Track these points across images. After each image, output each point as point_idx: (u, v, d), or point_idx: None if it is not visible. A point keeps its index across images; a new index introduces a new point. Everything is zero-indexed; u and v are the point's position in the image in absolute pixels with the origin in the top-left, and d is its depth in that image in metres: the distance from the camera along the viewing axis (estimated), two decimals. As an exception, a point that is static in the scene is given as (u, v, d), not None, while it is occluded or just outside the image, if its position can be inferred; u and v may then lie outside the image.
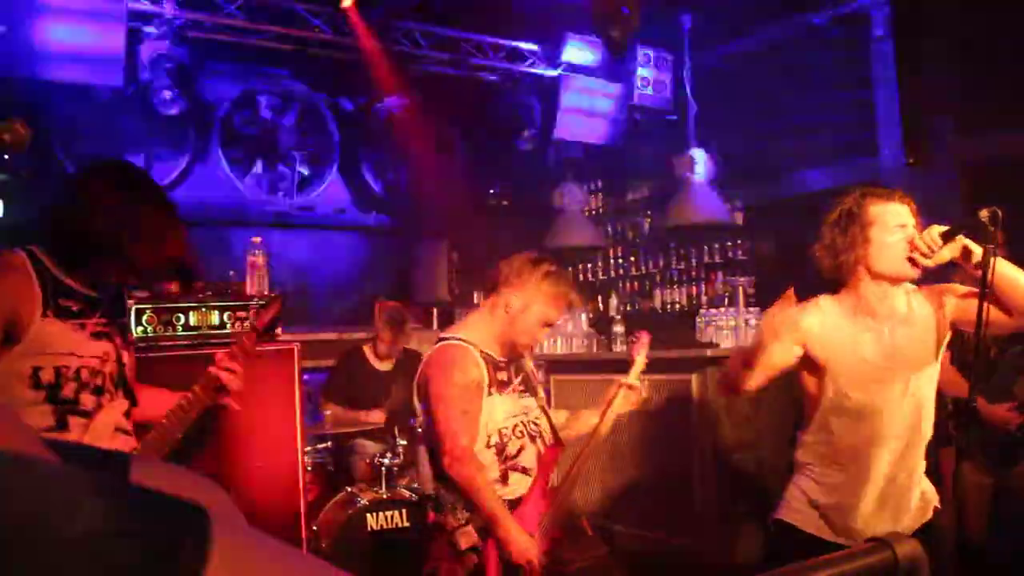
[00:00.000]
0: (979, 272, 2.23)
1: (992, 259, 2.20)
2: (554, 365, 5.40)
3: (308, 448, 4.25)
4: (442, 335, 2.97)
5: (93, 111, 5.27)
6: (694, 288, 6.72)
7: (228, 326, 3.54)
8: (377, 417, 4.69)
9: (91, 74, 4.79)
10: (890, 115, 5.35)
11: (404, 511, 4.13)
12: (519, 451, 2.82)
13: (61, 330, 2.09)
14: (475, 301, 7.55)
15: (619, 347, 5.75)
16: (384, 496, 4.13)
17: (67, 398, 2.10)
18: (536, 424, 2.92)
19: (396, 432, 4.37)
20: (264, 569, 0.56)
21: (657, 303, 6.97)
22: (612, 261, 7.43)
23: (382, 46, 5.99)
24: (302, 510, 3.58)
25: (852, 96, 5.41)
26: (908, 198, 2.43)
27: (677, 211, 6.01)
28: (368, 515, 4.08)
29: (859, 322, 2.44)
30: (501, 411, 2.82)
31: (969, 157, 5.04)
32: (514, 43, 6.54)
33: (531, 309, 2.82)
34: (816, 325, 2.44)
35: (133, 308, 3.29)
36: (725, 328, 5.07)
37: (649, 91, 6.37)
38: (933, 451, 2.56)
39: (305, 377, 3.83)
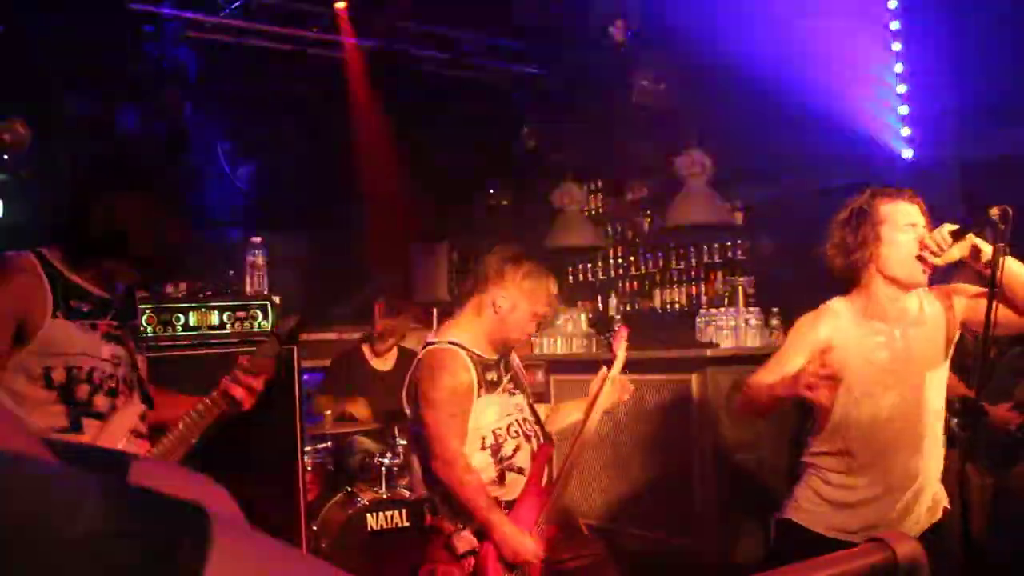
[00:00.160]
0: (988, 271, 2.23)
1: (1002, 258, 2.20)
2: (554, 365, 5.40)
3: (308, 448, 4.25)
4: (429, 339, 2.98)
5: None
6: (694, 288, 6.72)
7: (228, 326, 3.54)
8: (362, 409, 4.68)
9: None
10: (889, 115, 5.35)
11: (404, 511, 4.13)
12: (515, 451, 2.83)
13: (72, 331, 2.09)
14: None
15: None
16: (384, 496, 4.13)
17: (80, 399, 2.09)
18: (529, 422, 2.93)
19: (396, 432, 4.37)
20: (263, 569, 0.56)
21: (657, 303, 6.97)
22: (612, 261, 7.43)
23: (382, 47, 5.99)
24: (302, 510, 3.58)
25: (852, 96, 5.41)
26: (918, 197, 2.44)
27: (677, 211, 6.01)
28: (368, 515, 4.08)
29: (871, 325, 2.44)
30: (493, 412, 2.82)
31: (969, 157, 5.04)
32: (513, 43, 6.54)
33: (520, 306, 2.85)
34: (833, 333, 2.44)
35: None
36: (725, 328, 5.07)
37: (649, 91, 6.36)
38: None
39: (304, 377, 3.83)
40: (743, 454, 4.27)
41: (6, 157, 1.97)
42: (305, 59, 6.14)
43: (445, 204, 7.68)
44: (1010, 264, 2.25)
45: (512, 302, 2.85)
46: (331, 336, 5.88)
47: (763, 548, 4.13)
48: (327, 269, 7.02)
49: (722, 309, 5.37)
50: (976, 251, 2.30)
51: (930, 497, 2.46)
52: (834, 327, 2.45)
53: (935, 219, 2.43)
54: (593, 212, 7.46)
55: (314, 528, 4.03)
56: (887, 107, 5.41)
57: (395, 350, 5.14)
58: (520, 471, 2.84)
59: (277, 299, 3.70)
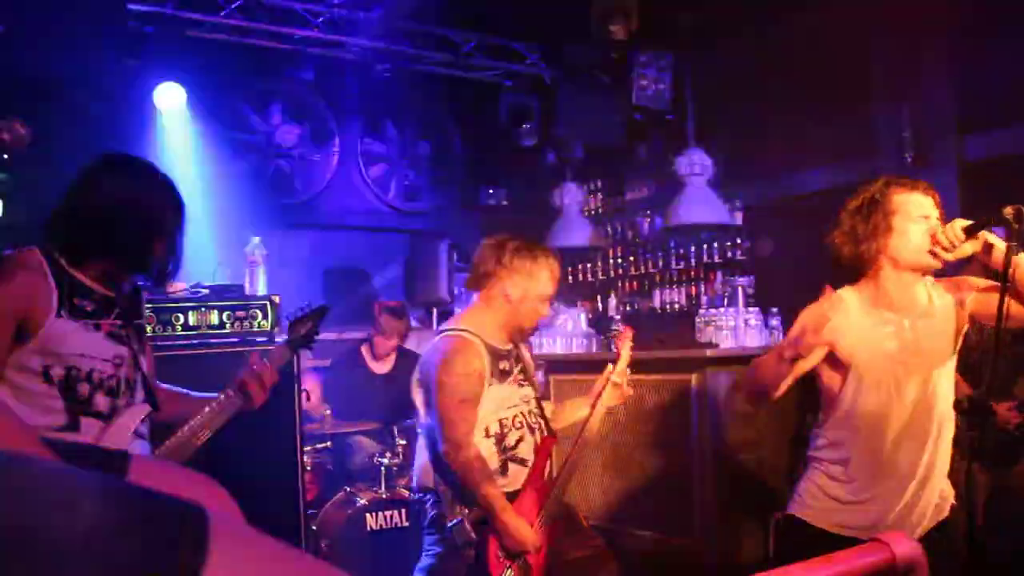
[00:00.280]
0: (1000, 268, 2.23)
1: (1014, 256, 2.19)
2: (553, 365, 5.40)
3: (307, 447, 4.25)
4: (443, 327, 3.02)
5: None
6: (693, 288, 6.72)
7: (227, 326, 3.55)
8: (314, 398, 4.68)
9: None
10: (889, 115, 5.35)
11: (403, 510, 4.13)
12: (518, 442, 2.86)
13: (74, 330, 2.08)
14: (474, 301, 7.57)
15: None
16: (383, 496, 4.14)
17: (80, 397, 2.09)
18: (534, 415, 2.95)
19: (395, 432, 4.38)
20: (262, 568, 0.56)
21: (656, 303, 6.97)
22: (611, 261, 7.43)
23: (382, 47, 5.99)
24: (301, 509, 3.58)
25: (851, 96, 5.41)
26: (932, 190, 2.42)
27: (676, 211, 6.01)
28: (367, 514, 4.09)
29: (879, 315, 2.42)
30: (501, 401, 2.86)
31: (969, 157, 5.04)
32: (513, 43, 6.54)
33: (530, 292, 2.89)
34: (843, 323, 2.43)
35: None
36: (725, 328, 5.06)
37: (649, 91, 6.36)
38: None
39: (304, 377, 3.83)
40: (743, 454, 4.27)
41: (6, 156, 1.96)
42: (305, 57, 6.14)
43: (445, 204, 7.68)
44: (1022, 262, 2.24)
45: (522, 289, 2.90)
46: (331, 336, 5.88)
47: (763, 548, 4.13)
48: (327, 269, 7.02)
49: (721, 309, 5.36)
50: (989, 248, 2.28)
51: (937, 494, 2.45)
52: (845, 318, 2.43)
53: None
54: (593, 212, 7.46)
55: (313, 528, 4.03)
56: (886, 107, 5.41)
57: (394, 352, 5.15)
58: (523, 462, 2.86)
59: (277, 299, 3.70)
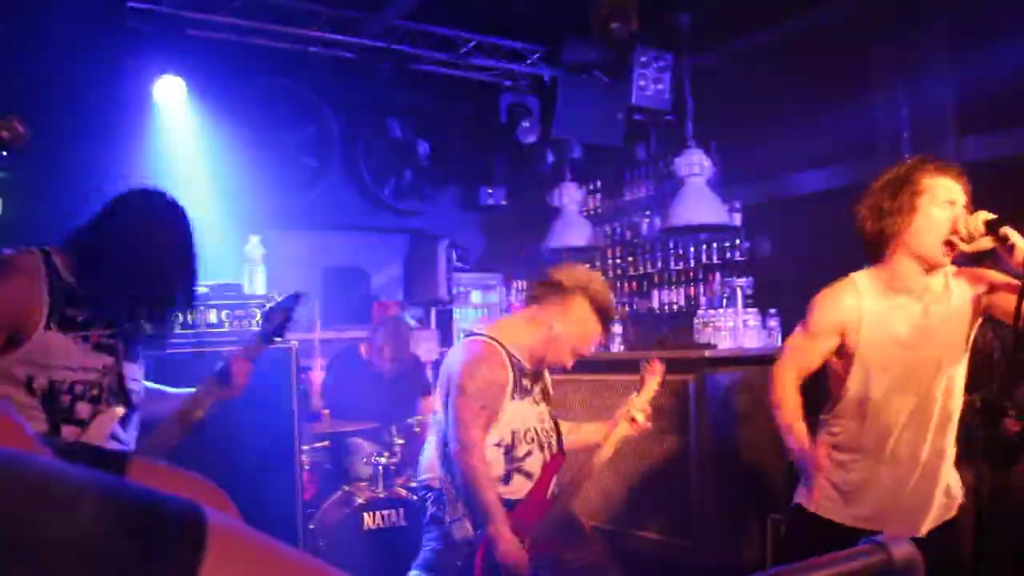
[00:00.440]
0: (1018, 265, 2.21)
1: None
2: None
3: (305, 447, 4.25)
4: (475, 330, 3.04)
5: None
6: (692, 289, 6.72)
7: (226, 325, 3.55)
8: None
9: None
10: (888, 115, 5.35)
11: (401, 510, 4.13)
12: (526, 455, 2.87)
13: (63, 343, 2.06)
14: (472, 300, 7.57)
15: (617, 347, 5.75)
16: (381, 495, 4.14)
17: (61, 407, 2.08)
18: (547, 433, 2.97)
19: (393, 431, 4.38)
20: (259, 568, 0.56)
21: (655, 303, 6.97)
22: (610, 261, 7.43)
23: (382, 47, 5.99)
24: (299, 509, 3.59)
25: (851, 96, 5.41)
26: (964, 176, 2.39)
27: (675, 211, 6.01)
28: (365, 514, 4.09)
29: (893, 299, 2.41)
30: (517, 415, 2.87)
31: (968, 157, 5.04)
32: (513, 43, 6.54)
33: (571, 337, 2.89)
34: (853, 307, 2.42)
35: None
36: (723, 329, 5.07)
37: (648, 91, 6.36)
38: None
39: (303, 376, 3.83)
40: (742, 454, 4.28)
41: (4, 154, 1.95)
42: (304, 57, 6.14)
43: (444, 204, 7.68)
44: None
45: (567, 331, 2.88)
46: (330, 335, 5.88)
47: (762, 548, 4.14)
48: (326, 268, 7.02)
49: (720, 310, 5.37)
50: (1010, 247, 2.24)
51: (943, 491, 2.44)
52: (856, 299, 2.42)
53: None
54: (592, 212, 7.46)
55: (311, 527, 4.03)
56: (882, 106, 5.41)
57: (393, 350, 5.15)
58: (528, 475, 2.88)
59: (277, 297, 3.70)
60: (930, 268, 2.37)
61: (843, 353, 2.45)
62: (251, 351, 2.49)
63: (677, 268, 6.86)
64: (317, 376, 5.02)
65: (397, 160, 7.41)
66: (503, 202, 7.67)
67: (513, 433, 2.85)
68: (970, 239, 2.29)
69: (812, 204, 5.54)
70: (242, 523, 0.64)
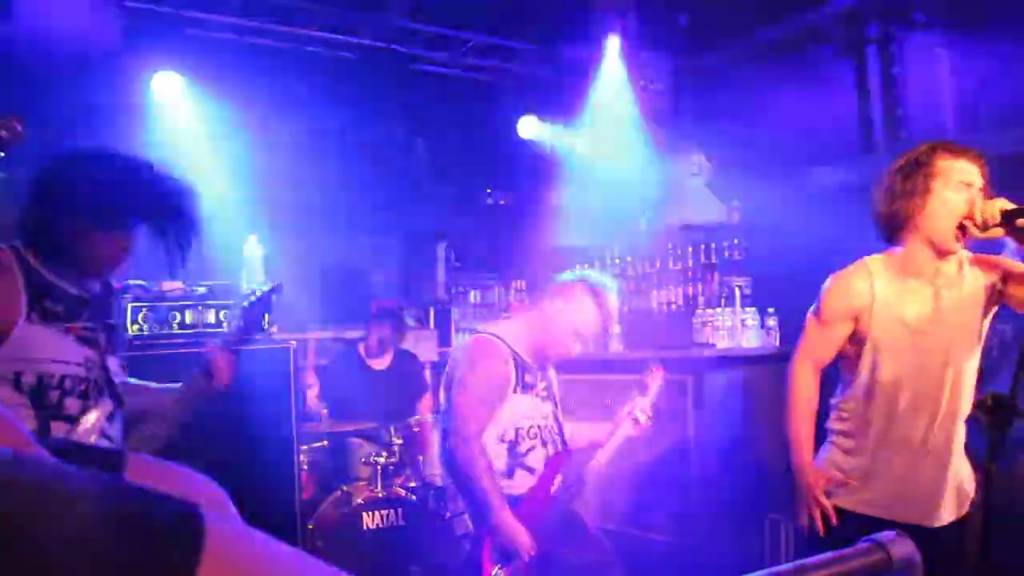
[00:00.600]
0: None
1: None
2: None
3: (304, 446, 4.25)
4: (479, 328, 3.09)
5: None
6: (691, 288, 6.71)
7: (225, 325, 3.55)
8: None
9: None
10: (888, 114, 5.35)
11: (400, 510, 4.13)
12: (529, 451, 2.90)
13: (44, 336, 2.04)
14: (471, 300, 7.56)
15: (615, 347, 5.75)
16: (379, 495, 4.13)
17: (50, 403, 2.06)
18: (551, 430, 2.99)
19: (392, 431, 4.37)
20: (257, 566, 0.56)
21: (654, 303, 6.97)
22: (609, 261, 7.43)
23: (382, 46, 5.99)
24: (297, 508, 3.59)
25: (850, 95, 5.42)
26: (981, 159, 2.36)
27: (674, 211, 6.01)
28: (364, 514, 4.09)
29: (904, 283, 2.39)
30: (521, 411, 2.91)
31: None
32: (512, 43, 6.54)
33: (567, 318, 2.92)
34: (865, 291, 2.40)
35: (129, 306, 3.29)
36: (722, 328, 5.06)
37: (648, 91, 6.36)
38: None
39: (301, 376, 3.83)
40: (741, 454, 4.27)
41: (2, 153, 1.94)
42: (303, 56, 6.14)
43: (443, 203, 7.67)
44: None
45: (565, 316, 2.93)
46: (328, 335, 5.88)
47: (762, 547, 4.14)
48: (325, 267, 7.02)
49: (719, 310, 5.37)
50: (1022, 235, 2.21)
51: (956, 485, 2.41)
52: (868, 283, 2.41)
53: None
54: (591, 212, 7.45)
55: (310, 527, 4.03)
56: (885, 106, 5.41)
57: (391, 350, 5.16)
58: (530, 470, 2.90)
59: (275, 297, 3.70)
60: (942, 253, 2.35)
61: (855, 338, 2.44)
62: (232, 344, 2.49)
63: (675, 267, 6.85)
64: (316, 376, 5.02)
65: (396, 159, 7.39)
66: (502, 202, 7.67)
67: (516, 429, 2.89)
68: (984, 227, 2.25)
69: (811, 203, 5.54)
70: (241, 523, 0.64)
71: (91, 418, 2.14)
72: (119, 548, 0.50)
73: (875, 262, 2.45)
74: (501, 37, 6.46)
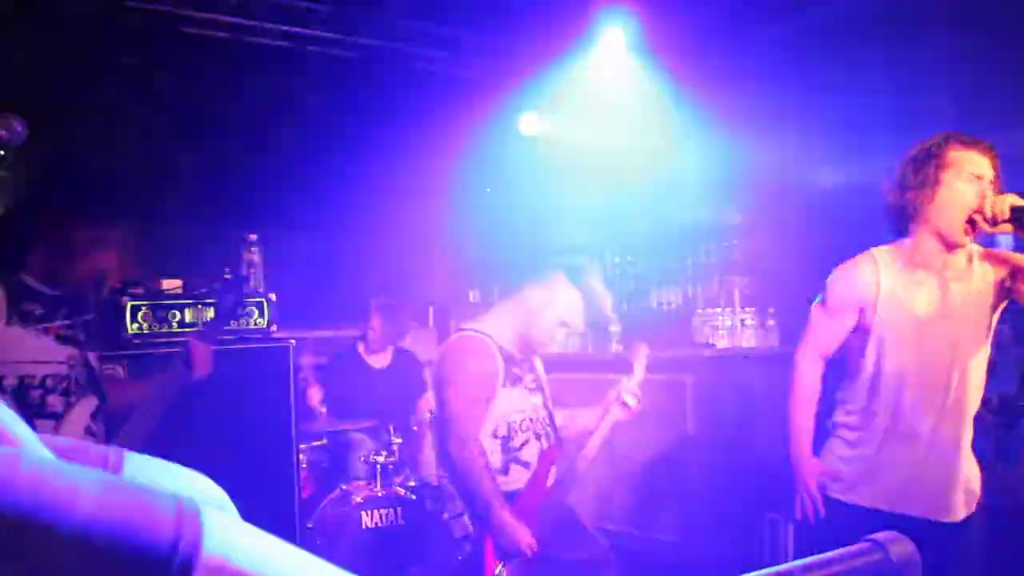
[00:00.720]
0: None
1: None
2: (549, 363, 5.41)
3: (303, 445, 4.25)
4: (462, 326, 3.07)
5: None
6: (690, 288, 6.72)
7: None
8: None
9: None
10: (888, 115, 5.35)
11: (399, 509, 4.13)
12: (523, 445, 2.89)
13: (24, 338, 2.05)
14: (470, 300, 7.56)
15: (615, 346, 5.75)
16: (379, 494, 4.13)
17: (32, 402, 2.07)
18: (543, 422, 2.98)
19: (392, 429, 4.37)
20: (258, 564, 0.56)
21: (653, 303, 6.97)
22: (608, 260, 7.43)
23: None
24: (297, 507, 3.59)
25: (850, 96, 5.41)
26: (993, 151, 2.35)
27: (673, 211, 6.01)
28: (363, 513, 4.09)
29: (911, 274, 2.37)
30: (511, 404, 2.89)
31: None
32: (513, 43, 6.53)
33: (550, 307, 2.90)
34: (871, 283, 2.39)
35: (128, 305, 3.29)
36: (721, 328, 5.07)
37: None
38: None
39: (300, 375, 3.83)
40: (740, 453, 4.28)
41: (2, 153, 1.94)
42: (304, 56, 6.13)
43: (441, 202, 7.66)
44: None
45: (543, 301, 2.90)
46: (327, 334, 5.87)
47: (760, 546, 4.14)
48: (324, 268, 7.01)
49: (718, 309, 5.37)
50: None
51: (963, 486, 2.40)
52: (874, 275, 2.39)
53: None
54: (589, 211, 7.45)
55: (309, 525, 4.03)
56: (885, 107, 5.41)
57: (390, 348, 5.16)
58: (525, 465, 2.89)
59: (273, 296, 3.70)
60: (951, 246, 2.33)
61: (859, 329, 2.43)
62: (209, 334, 2.52)
63: (675, 267, 6.85)
64: (315, 374, 5.01)
65: (396, 158, 7.39)
66: (499, 200, 7.66)
67: (508, 423, 2.87)
68: (993, 222, 2.23)
69: (811, 203, 5.53)
70: (240, 521, 0.64)
71: (76, 414, 2.15)
72: (117, 546, 0.50)
73: (882, 253, 2.44)
74: (500, 36, 6.45)
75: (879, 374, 2.38)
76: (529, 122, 6.69)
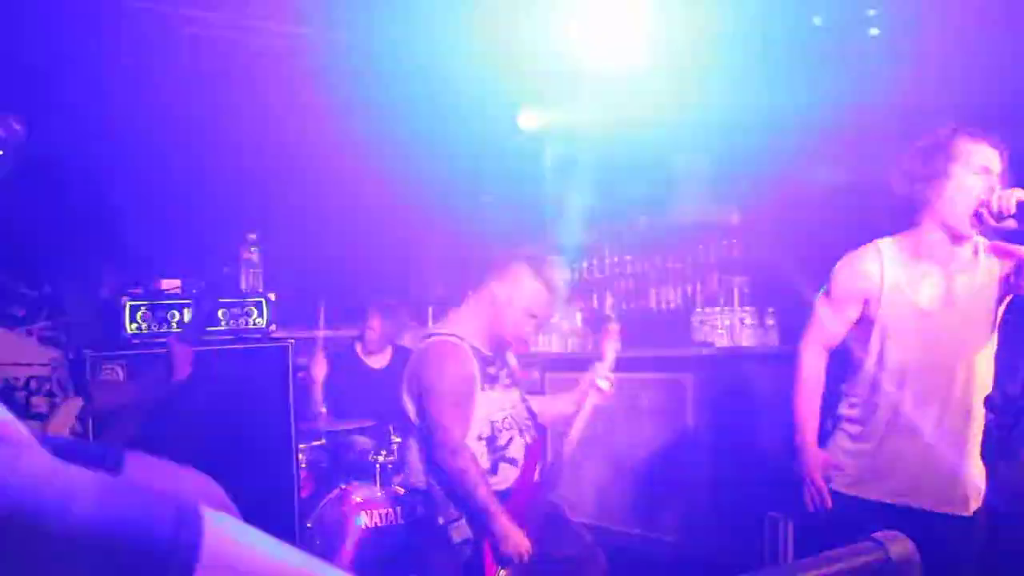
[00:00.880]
0: None
1: None
2: (548, 363, 5.40)
3: (302, 445, 4.24)
4: (431, 331, 3.01)
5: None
6: (689, 287, 6.72)
7: (222, 323, 3.54)
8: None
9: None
10: (887, 114, 5.35)
11: (398, 509, 4.13)
12: (508, 442, 2.88)
13: (6, 340, 2.05)
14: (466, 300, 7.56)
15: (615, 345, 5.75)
16: (378, 494, 4.13)
17: (18, 404, 2.07)
18: (523, 417, 2.96)
19: (391, 429, 4.37)
20: (256, 565, 0.56)
21: (652, 302, 6.97)
22: (607, 260, 7.43)
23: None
24: (296, 507, 3.59)
25: (849, 95, 5.41)
26: (1003, 144, 2.33)
27: (673, 210, 6.01)
28: (363, 512, 4.08)
29: (916, 266, 2.36)
30: (492, 404, 2.87)
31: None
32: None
33: (516, 301, 2.85)
34: (875, 274, 2.38)
35: (127, 305, 3.29)
36: (720, 328, 5.07)
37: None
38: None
39: (299, 374, 3.83)
40: (739, 452, 4.28)
41: (1, 153, 1.93)
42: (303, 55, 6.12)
43: (441, 202, 7.66)
44: None
45: (508, 295, 2.86)
46: (327, 334, 5.86)
47: (760, 546, 4.14)
48: (322, 266, 7.00)
49: (717, 309, 5.37)
50: None
51: (971, 480, 2.38)
52: (878, 266, 2.38)
53: None
54: (589, 211, 7.44)
55: (308, 525, 4.03)
56: (884, 106, 5.41)
57: (389, 348, 5.15)
58: (512, 462, 2.88)
59: (272, 296, 3.70)
60: (957, 238, 2.31)
61: (863, 321, 2.42)
62: (188, 337, 2.52)
63: (674, 267, 6.85)
64: (315, 374, 5.01)
65: (395, 158, 7.37)
66: (495, 200, 7.65)
67: (491, 423, 2.85)
68: (999, 217, 2.22)
69: (811, 203, 5.53)
70: (239, 520, 0.64)
71: (61, 415, 2.15)
72: (117, 546, 0.50)
73: (887, 244, 2.42)
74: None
75: (882, 366, 2.37)
76: (528, 117, 6.68)
